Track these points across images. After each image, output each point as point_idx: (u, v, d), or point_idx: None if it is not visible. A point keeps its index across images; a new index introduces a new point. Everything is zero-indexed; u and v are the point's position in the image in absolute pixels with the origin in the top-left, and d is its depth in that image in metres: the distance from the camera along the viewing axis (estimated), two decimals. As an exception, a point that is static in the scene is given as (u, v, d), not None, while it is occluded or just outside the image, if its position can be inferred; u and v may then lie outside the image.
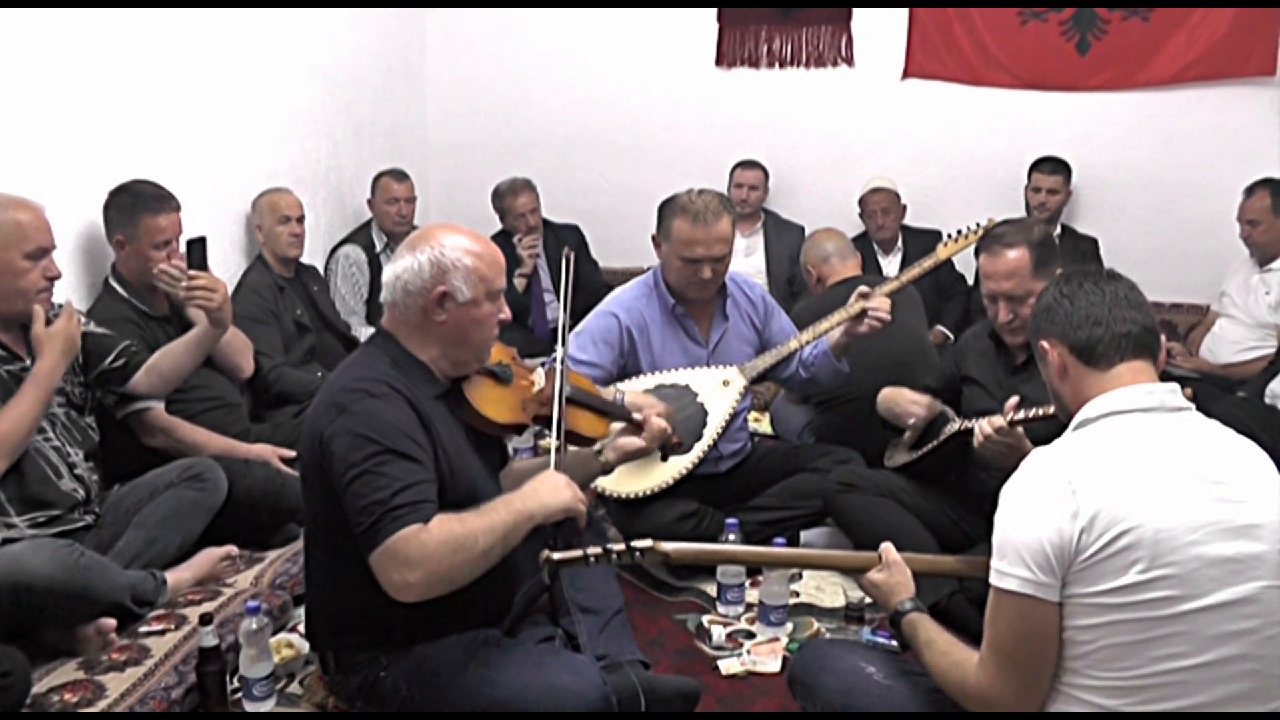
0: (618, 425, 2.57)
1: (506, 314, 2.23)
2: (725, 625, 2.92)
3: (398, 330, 2.18)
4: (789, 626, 2.90)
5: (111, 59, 3.48)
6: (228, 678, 2.42)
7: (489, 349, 2.26)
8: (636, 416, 2.54)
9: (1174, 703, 1.59)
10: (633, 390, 2.88)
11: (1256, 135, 5.16)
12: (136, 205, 3.20)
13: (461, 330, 2.15)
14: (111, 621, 2.49)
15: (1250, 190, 4.62)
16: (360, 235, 4.98)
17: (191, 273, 3.01)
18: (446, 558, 1.90)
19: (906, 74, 5.54)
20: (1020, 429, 2.52)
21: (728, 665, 2.72)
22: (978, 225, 3.24)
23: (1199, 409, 1.77)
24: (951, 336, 4.95)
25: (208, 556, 2.86)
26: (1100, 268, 1.88)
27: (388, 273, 2.17)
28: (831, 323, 3.22)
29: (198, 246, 3.05)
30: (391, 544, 1.89)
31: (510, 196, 5.23)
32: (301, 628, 2.57)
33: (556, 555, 2.00)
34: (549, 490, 2.08)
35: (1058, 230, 5.20)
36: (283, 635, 2.70)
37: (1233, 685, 1.60)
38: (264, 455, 3.24)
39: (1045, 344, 1.85)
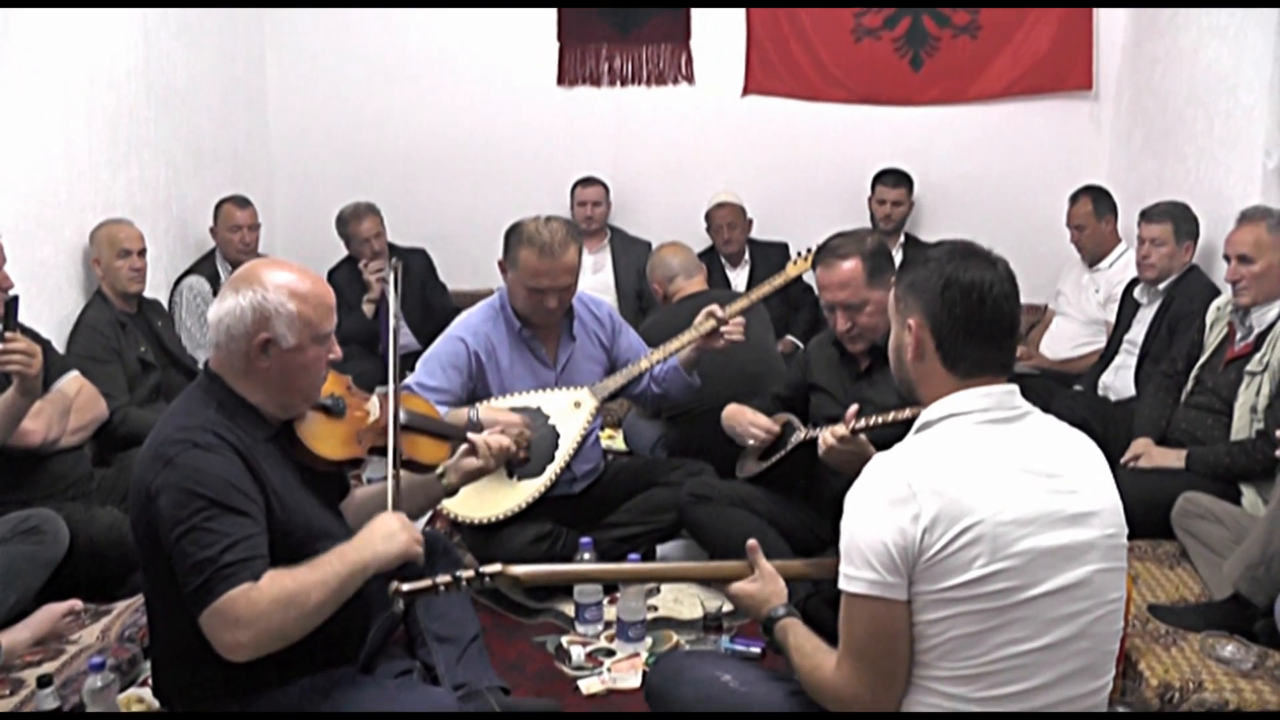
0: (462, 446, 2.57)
1: (337, 353, 2.17)
2: (584, 644, 2.94)
3: (224, 371, 2.11)
4: (648, 641, 2.94)
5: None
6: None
7: (318, 391, 2.20)
8: (474, 437, 2.53)
9: (1018, 685, 1.66)
10: (488, 406, 2.87)
11: (1079, 145, 5.51)
12: None
13: (286, 376, 2.09)
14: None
15: (1074, 197, 4.87)
16: (204, 265, 4.84)
17: (8, 335, 2.75)
18: (278, 615, 1.87)
19: (746, 90, 5.66)
20: (863, 435, 2.60)
21: (588, 685, 2.74)
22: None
23: (1039, 403, 1.83)
24: (801, 345, 5.06)
25: (48, 613, 2.73)
26: (986, 258, 1.87)
27: (211, 313, 2.09)
28: (682, 342, 3.28)
29: (11, 307, 2.78)
30: (220, 604, 1.85)
31: (354, 222, 5.15)
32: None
33: (406, 586, 1.99)
34: (382, 537, 2.05)
35: (901, 239, 5.39)
36: (132, 691, 2.60)
37: (1069, 664, 1.68)
38: None
39: (913, 322, 1.83)
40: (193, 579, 1.87)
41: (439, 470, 2.48)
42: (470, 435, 2.52)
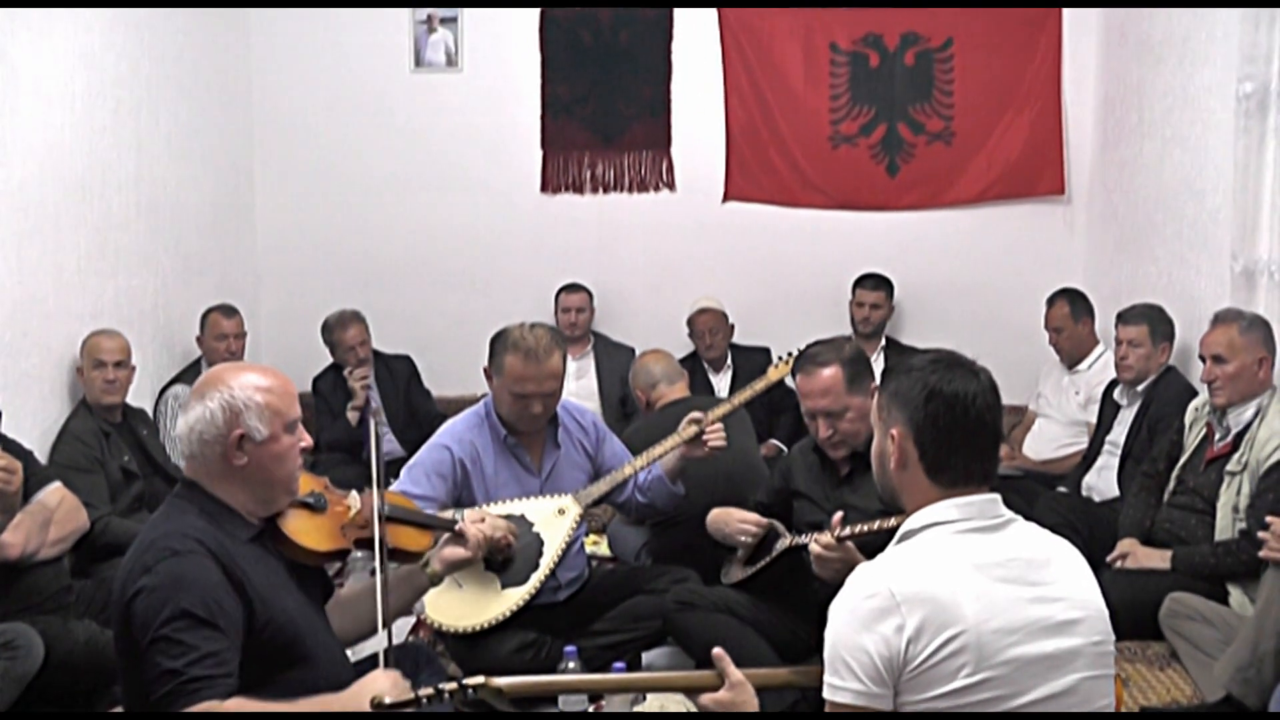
0: (444, 536, 2.59)
1: (308, 441, 2.21)
2: (569, 756, 2.88)
3: (200, 478, 2.13)
4: (634, 751, 2.89)
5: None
6: None
7: (297, 481, 2.23)
8: (459, 526, 2.55)
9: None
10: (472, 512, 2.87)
11: (1054, 248, 5.62)
12: None
13: (265, 468, 2.13)
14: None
15: (1051, 301, 4.93)
16: (189, 374, 4.84)
17: None
18: None
19: (727, 197, 5.76)
20: (850, 543, 2.61)
21: (574, 797, 2.69)
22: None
23: (1024, 504, 1.85)
24: (785, 450, 5.07)
25: (19, 730, 2.70)
26: (969, 369, 1.87)
27: (181, 425, 2.13)
28: (665, 448, 3.28)
29: None
30: None
31: (339, 329, 5.19)
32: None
33: (388, 700, 1.96)
34: (371, 695, 2.00)
35: (882, 343, 5.45)
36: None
37: (1056, 767, 1.67)
38: None
39: (896, 432, 1.83)
40: (157, 688, 1.88)
41: (423, 560, 2.50)
42: (457, 524, 2.55)
